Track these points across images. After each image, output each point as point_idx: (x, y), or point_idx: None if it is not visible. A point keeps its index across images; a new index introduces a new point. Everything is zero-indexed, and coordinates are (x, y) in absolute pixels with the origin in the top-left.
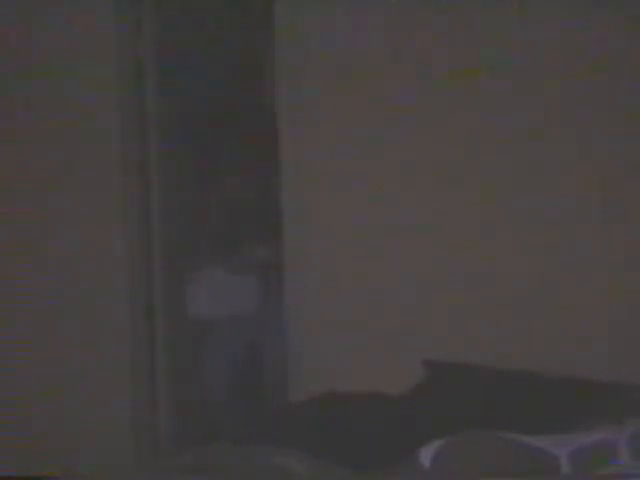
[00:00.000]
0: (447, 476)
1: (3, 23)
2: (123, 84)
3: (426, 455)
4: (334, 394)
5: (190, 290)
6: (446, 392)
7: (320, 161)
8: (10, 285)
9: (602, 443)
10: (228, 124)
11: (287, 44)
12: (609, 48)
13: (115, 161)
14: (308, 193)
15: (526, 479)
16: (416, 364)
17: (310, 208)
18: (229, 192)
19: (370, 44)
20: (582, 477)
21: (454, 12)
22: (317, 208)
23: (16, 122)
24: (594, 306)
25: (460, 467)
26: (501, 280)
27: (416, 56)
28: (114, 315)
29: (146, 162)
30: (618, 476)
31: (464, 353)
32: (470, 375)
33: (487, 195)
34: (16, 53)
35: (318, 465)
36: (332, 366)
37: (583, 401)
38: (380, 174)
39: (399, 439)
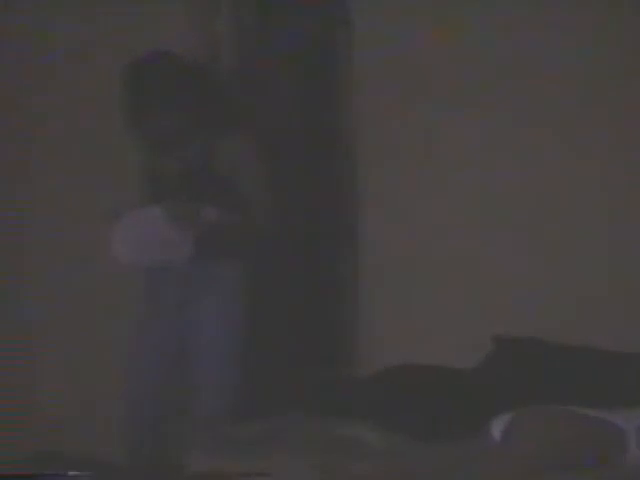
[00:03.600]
0: (518, 448)
1: None
2: None
3: (497, 428)
4: (407, 366)
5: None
6: (516, 366)
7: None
8: None
9: None
10: None
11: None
12: None
13: None
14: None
15: (593, 452)
16: (487, 338)
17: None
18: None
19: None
20: None
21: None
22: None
23: None
24: None
25: (531, 440)
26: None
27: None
28: None
29: None
30: None
31: (537, 329)
32: (540, 350)
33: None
34: None
35: (392, 437)
36: (406, 338)
37: None
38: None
39: (470, 412)
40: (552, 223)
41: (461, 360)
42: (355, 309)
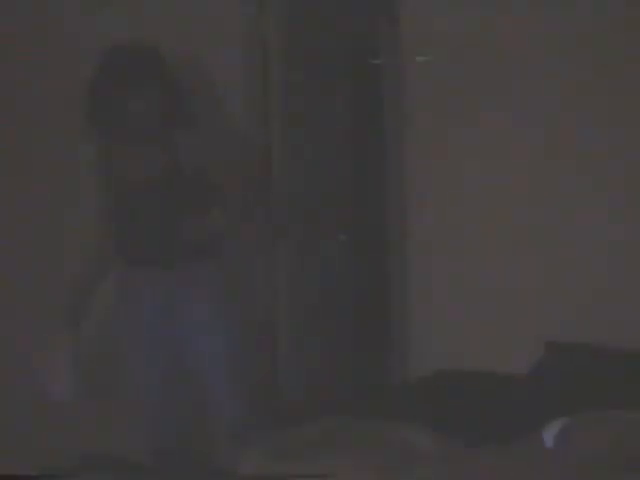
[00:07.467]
0: (571, 456)
1: None
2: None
3: (549, 434)
4: (457, 370)
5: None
6: (567, 373)
7: None
8: None
9: None
10: None
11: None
12: None
13: None
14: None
15: None
16: (536, 345)
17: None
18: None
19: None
20: None
21: None
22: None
23: None
24: None
25: (585, 447)
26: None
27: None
28: None
29: None
30: None
31: (588, 335)
32: (588, 356)
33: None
34: None
35: (444, 441)
36: (457, 344)
37: None
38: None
39: (523, 418)
40: (616, 222)
41: (512, 364)
42: (404, 311)
